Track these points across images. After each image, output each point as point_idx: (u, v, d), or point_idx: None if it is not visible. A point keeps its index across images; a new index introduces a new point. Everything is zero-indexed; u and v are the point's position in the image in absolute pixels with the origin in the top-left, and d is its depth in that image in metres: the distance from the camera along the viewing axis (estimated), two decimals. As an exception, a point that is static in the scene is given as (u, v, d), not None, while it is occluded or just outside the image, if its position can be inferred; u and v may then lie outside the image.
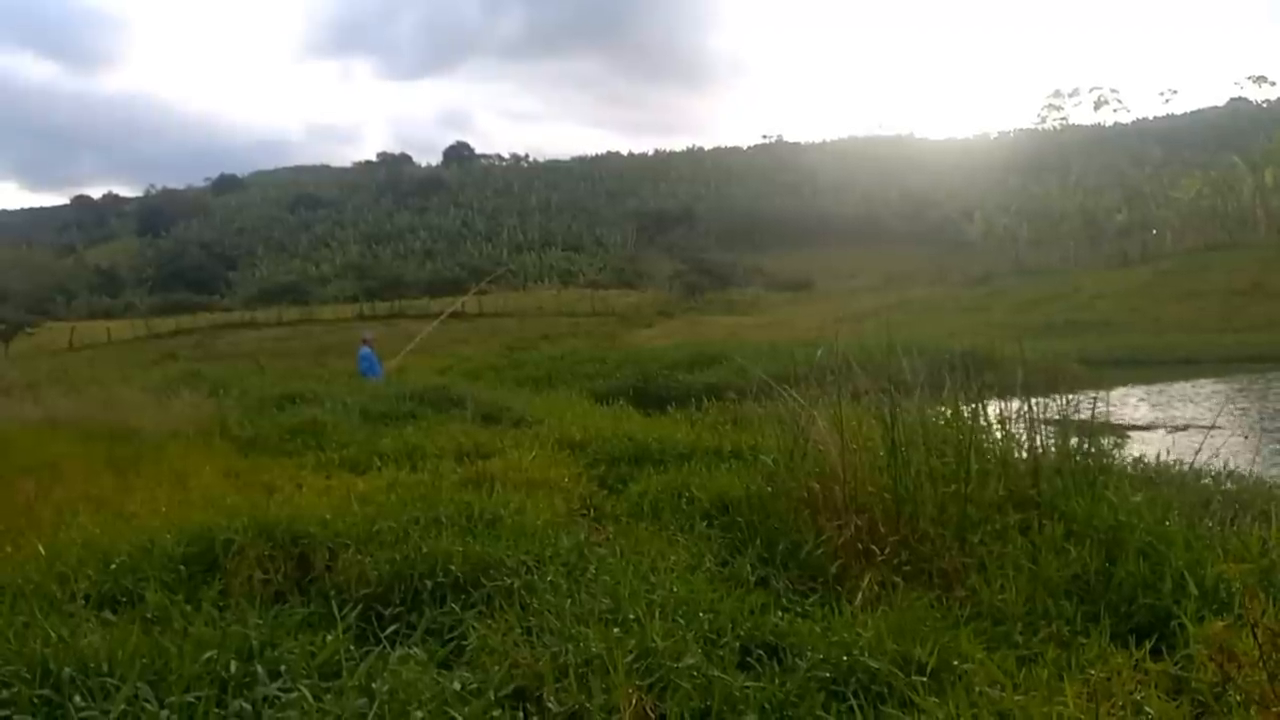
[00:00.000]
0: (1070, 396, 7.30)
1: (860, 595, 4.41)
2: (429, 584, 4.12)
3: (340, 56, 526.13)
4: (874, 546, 5.08)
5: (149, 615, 3.90)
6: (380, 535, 4.65)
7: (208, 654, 3.28)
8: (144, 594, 4.13)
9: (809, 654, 3.50)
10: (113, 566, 4.44)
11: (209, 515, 5.03)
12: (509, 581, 4.14)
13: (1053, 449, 6.22)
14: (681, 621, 3.73)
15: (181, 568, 4.38)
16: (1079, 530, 5.06)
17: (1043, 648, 3.95)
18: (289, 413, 12.71)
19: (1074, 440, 6.38)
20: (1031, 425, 6.63)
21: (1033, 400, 7.26)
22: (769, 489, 6.02)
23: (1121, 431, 6.67)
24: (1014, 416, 7.00)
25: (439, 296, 71.01)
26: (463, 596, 4.09)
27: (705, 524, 6.01)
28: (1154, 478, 7.34)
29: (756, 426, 9.93)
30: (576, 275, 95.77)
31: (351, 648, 3.49)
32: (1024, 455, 6.16)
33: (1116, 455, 6.67)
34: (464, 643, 3.62)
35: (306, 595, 4.24)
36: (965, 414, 6.45)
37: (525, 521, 5.12)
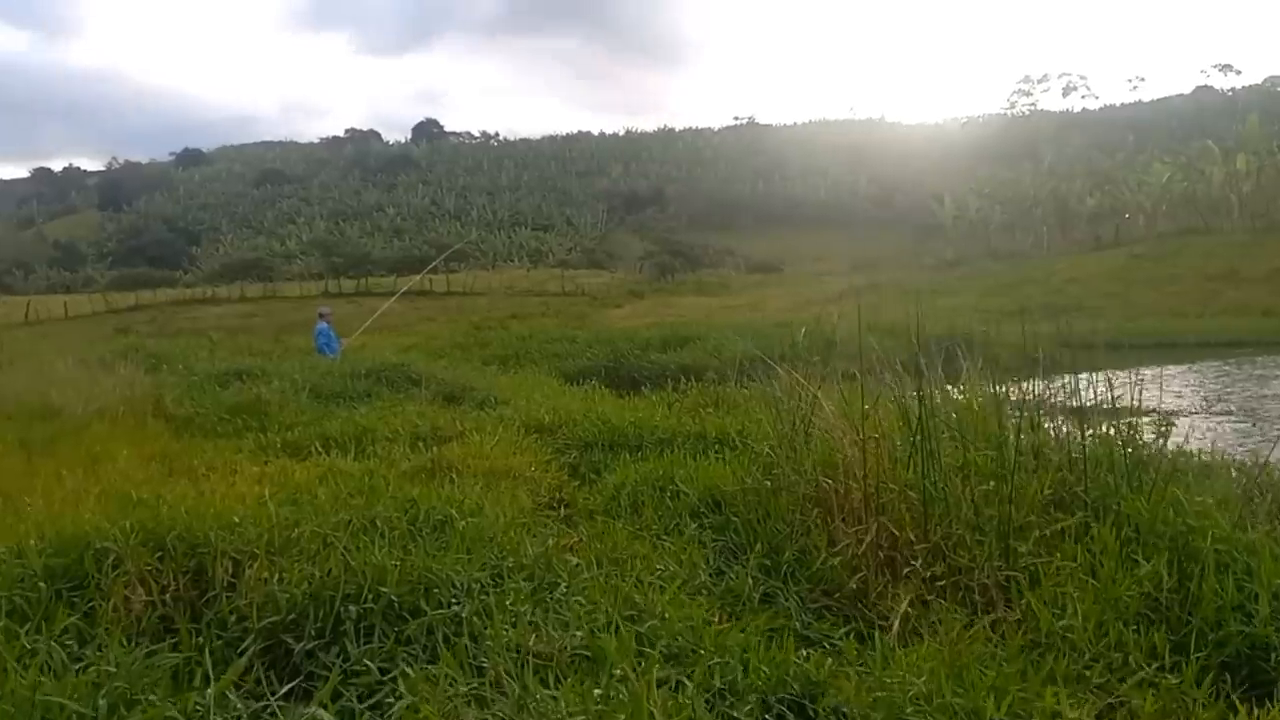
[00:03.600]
0: (1060, 381, 6.52)
1: (896, 623, 3.56)
2: (354, 610, 3.22)
3: (318, 30, 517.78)
4: (899, 555, 4.26)
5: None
6: (299, 543, 3.75)
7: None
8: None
9: (850, 712, 2.66)
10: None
11: (90, 514, 4.09)
12: (456, 608, 3.25)
13: (1089, 439, 5.41)
14: (679, 666, 2.87)
15: (43, 585, 3.46)
16: (1142, 537, 4.26)
17: (1130, 693, 3.14)
18: (232, 390, 11.71)
19: (1108, 428, 5.58)
20: (1050, 412, 5.87)
21: (1035, 384, 6.50)
22: (768, 483, 5.16)
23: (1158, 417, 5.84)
24: (1021, 402, 6.24)
25: (406, 274, 69.84)
26: (396, 628, 3.20)
27: (694, 523, 5.16)
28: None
29: (743, 410, 9.10)
30: (546, 255, 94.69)
31: (239, 704, 2.61)
32: (1060, 447, 5.34)
33: (1157, 446, 5.84)
34: (390, 699, 2.75)
35: (199, 622, 3.34)
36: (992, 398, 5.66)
37: (482, 524, 4.23)
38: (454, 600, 3.34)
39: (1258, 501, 5.71)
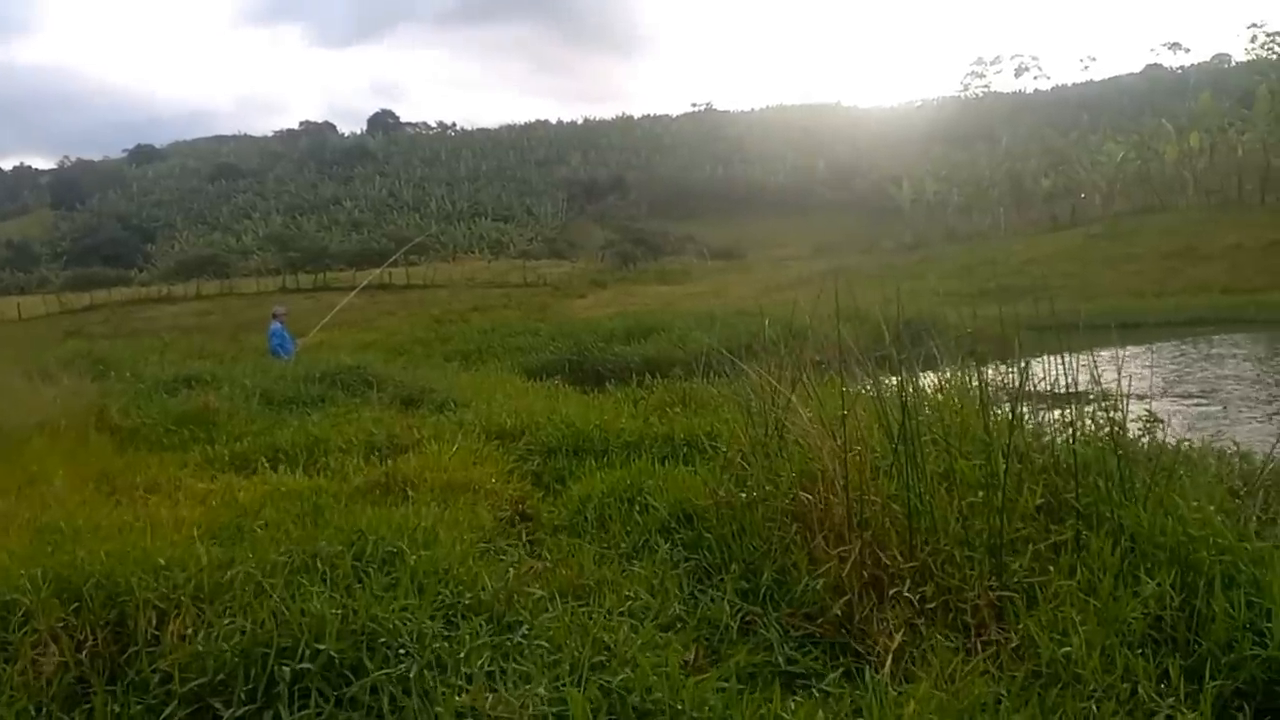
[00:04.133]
0: (1019, 366, 6.27)
1: (889, 661, 3.28)
2: (288, 671, 2.89)
3: (270, 24, 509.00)
4: (885, 575, 3.98)
5: None
6: (233, 588, 3.40)
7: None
8: None
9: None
10: None
11: (2, 556, 3.70)
12: (402, 666, 2.92)
13: (1078, 437, 5.16)
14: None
15: (-61, 647, 3.09)
16: (1139, 549, 4.02)
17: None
18: (180, 399, 11.26)
19: (1091, 423, 5.34)
20: (1026, 403, 5.65)
21: (1007, 374, 6.28)
22: (742, 496, 4.87)
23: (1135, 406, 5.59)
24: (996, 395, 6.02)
25: (365, 268, 69.13)
26: (337, 689, 2.87)
27: (665, 541, 4.86)
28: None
29: (711, 409, 8.81)
30: (507, 245, 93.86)
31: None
32: (1044, 449, 5.08)
33: (1145, 442, 5.61)
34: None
35: (118, 685, 2.99)
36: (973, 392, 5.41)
37: (436, 556, 3.89)
38: (402, 652, 3.01)
39: (1248, 502, 5.50)
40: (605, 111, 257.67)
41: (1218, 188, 57.64)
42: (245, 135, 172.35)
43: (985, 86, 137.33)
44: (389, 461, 6.76)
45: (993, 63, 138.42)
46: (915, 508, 4.10)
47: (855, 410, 5.24)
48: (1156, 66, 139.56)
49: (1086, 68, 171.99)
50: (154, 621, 3.21)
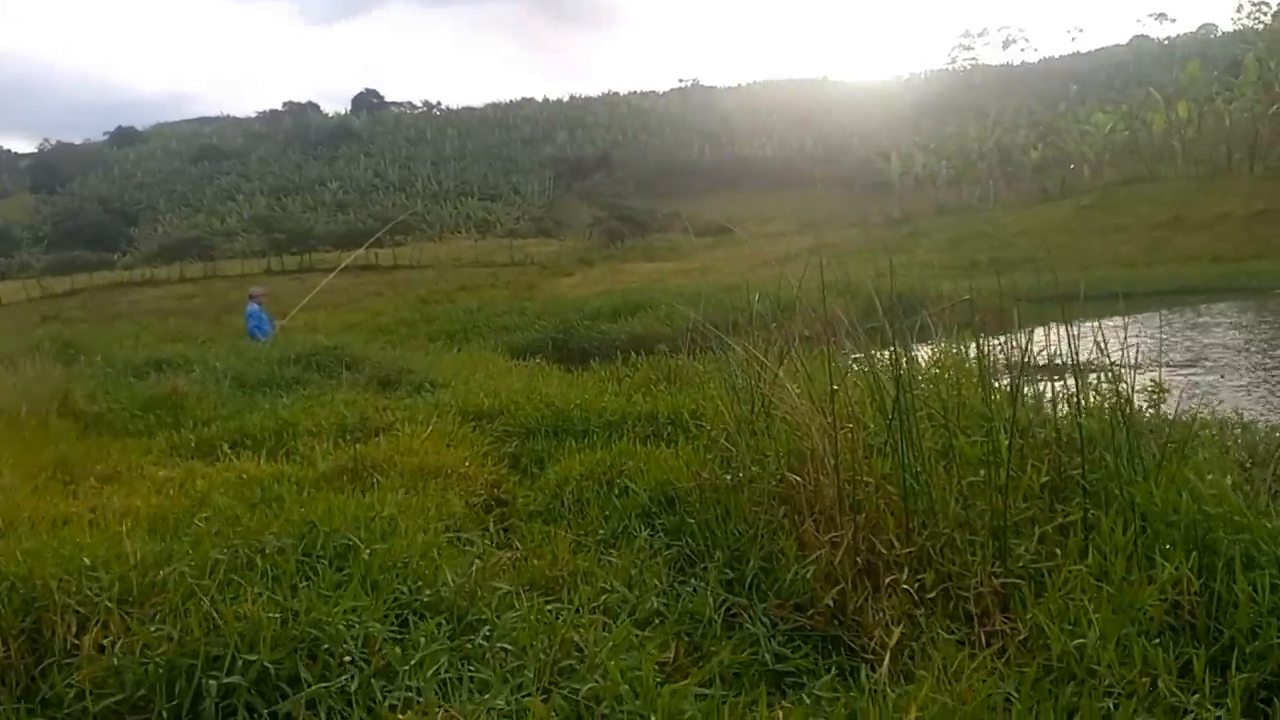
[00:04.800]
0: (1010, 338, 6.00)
1: (886, 660, 2.98)
2: (214, 685, 2.58)
3: (252, 1, 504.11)
4: (879, 562, 3.70)
5: None
6: (164, 590, 3.08)
7: None
8: None
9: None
10: None
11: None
12: (344, 678, 2.62)
13: (1081, 411, 4.87)
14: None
15: None
16: (1151, 528, 3.73)
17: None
18: (149, 383, 10.91)
19: (1094, 395, 5.05)
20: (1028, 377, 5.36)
21: (1004, 343, 5.98)
22: (727, 478, 4.57)
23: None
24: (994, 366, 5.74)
25: (351, 249, 68.58)
26: (270, 705, 2.57)
27: (645, 527, 4.56)
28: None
29: (696, 386, 8.51)
30: (494, 224, 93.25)
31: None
32: (1045, 422, 4.80)
33: (1154, 415, 5.33)
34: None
35: (32, 702, 2.68)
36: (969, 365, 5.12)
37: (393, 549, 3.58)
38: (347, 660, 2.70)
39: (1257, 475, 5.21)
40: (591, 89, 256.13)
41: (1206, 157, 57.40)
42: (228, 116, 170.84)
43: (973, 59, 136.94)
44: (358, 445, 6.44)
45: (980, 35, 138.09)
46: (911, 488, 3.81)
47: (846, 385, 4.94)
48: (1143, 37, 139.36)
49: (1074, 39, 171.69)
50: (74, 629, 2.90)
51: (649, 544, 4.16)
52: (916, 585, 3.50)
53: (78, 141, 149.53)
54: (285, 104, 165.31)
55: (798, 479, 4.03)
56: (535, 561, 4.02)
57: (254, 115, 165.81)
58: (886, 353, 5.28)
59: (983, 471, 3.91)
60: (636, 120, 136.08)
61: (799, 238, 62.46)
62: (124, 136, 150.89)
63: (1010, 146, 74.82)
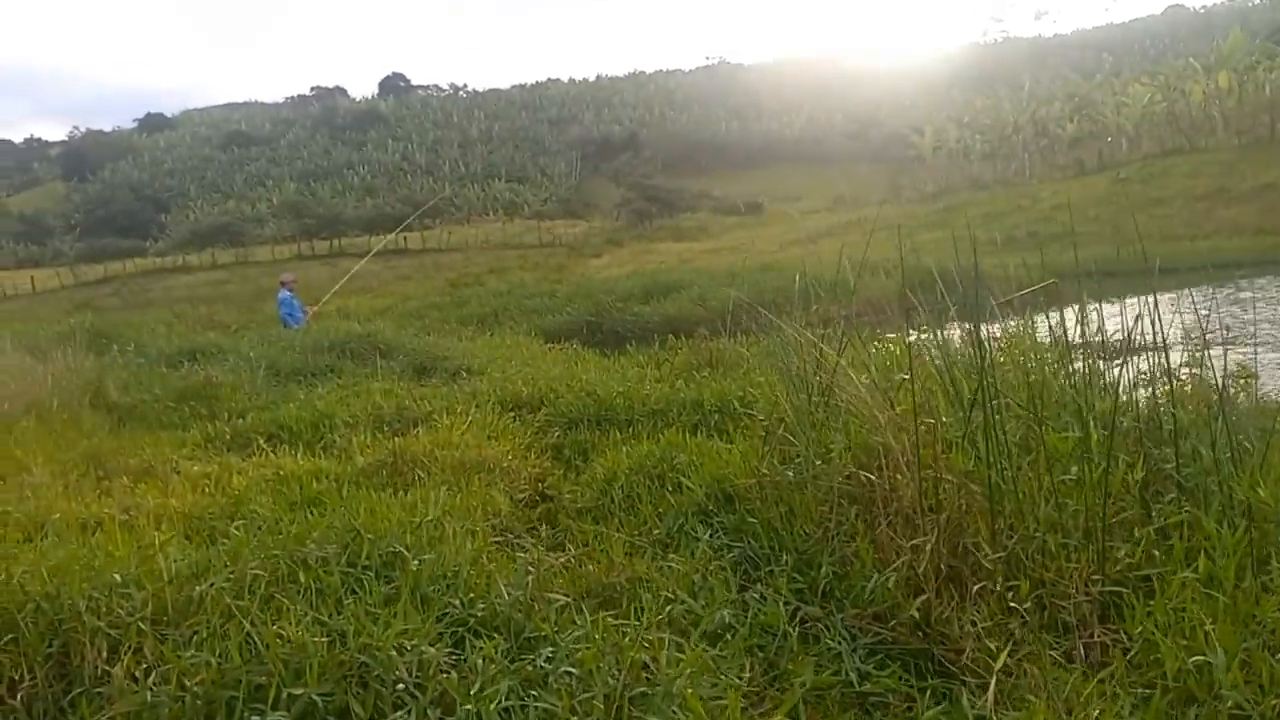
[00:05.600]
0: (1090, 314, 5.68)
1: (993, 685, 2.71)
2: (258, 721, 2.35)
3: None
4: (965, 567, 3.42)
5: None
6: (202, 609, 2.86)
7: None
8: None
9: None
10: None
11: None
12: (400, 713, 2.38)
13: (1165, 399, 4.54)
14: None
15: None
16: (1256, 528, 3.42)
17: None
18: (183, 373, 10.76)
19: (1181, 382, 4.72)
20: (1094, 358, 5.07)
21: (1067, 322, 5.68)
22: (789, 474, 4.30)
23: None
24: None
25: (380, 234, 68.80)
26: (316, 745, 2.35)
27: (703, 526, 4.31)
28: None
29: (742, 372, 8.23)
30: (522, 206, 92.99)
31: None
32: (1127, 410, 4.47)
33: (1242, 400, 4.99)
34: None
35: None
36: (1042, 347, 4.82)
37: (442, 558, 3.34)
38: (400, 688, 2.47)
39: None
40: (618, 68, 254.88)
41: (1248, 127, 56.05)
42: (256, 102, 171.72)
43: (1004, 32, 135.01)
44: (397, 439, 6.22)
45: (1011, 4, 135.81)
46: (998, 486, 3.52)
47: (917, 373, 4.66)
48: (1178, 6, 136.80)
49: (1107, 9, 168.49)
50: (104, 655, 2.69)
51: (710, 549, 3.89)
52: (1009, 594, 3.22)
53: (107, 129, 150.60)
54: (313, 89, 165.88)
55: (869, 477, 3.75)
56: (590, 566, 3.77)
57: (282, 100, 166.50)
58: (955, 335, 4.99)
59: (1074, 468, 3.61)
60: (663, 99, 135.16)
61: (830, 214, 61.83)
62: (153, 123, 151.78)
63: (1045, 119, 73.53)
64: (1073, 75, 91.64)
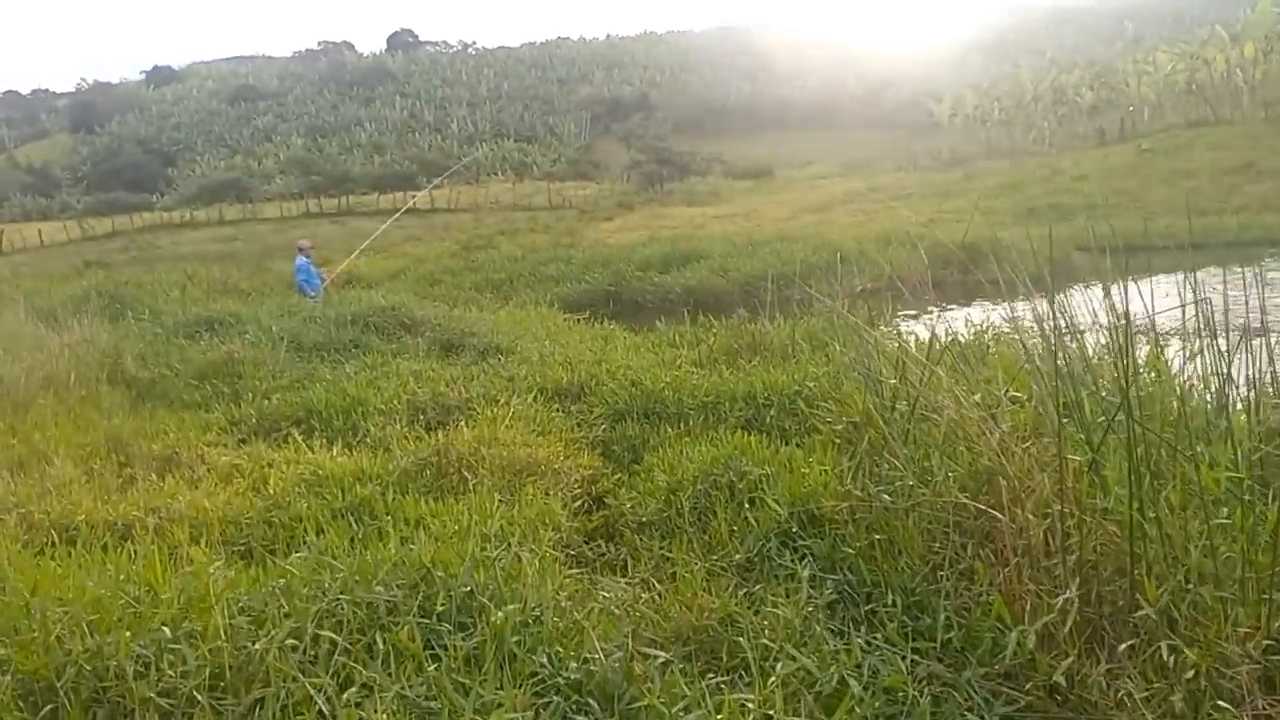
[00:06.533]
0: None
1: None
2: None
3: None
4: (1105, 622, 3.05)
5: None
6: (263, 670, 2.48)
7: None
8: None
9: None
10: None
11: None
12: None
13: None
14: None
15: None
16: None
17: None
18: (202, 345, 10.40)
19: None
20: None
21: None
22: (887, 499, 3.90)
23: None
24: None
25: (389, 191, 68.15)
26: None
27: (787, 549, 3.94)
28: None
29: (792, 359, 7.84)
30: (531, 167, 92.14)
31: None
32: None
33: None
34: None
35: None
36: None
37: (525, 601, 2.94)
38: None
39: None
40: (628, 27, 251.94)
41: (1275, 98, 55.09)
42: (263, 56, 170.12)
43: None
44: (437, 433, 5.85)
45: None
46: (1142, 529, 3.13)
47: (1018, 379, 4.28)
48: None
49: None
50: (154, 726, 2.32)
51: (809, 587, 3.50)
52: (1172, 657, 2.84)
53: (114, 81, 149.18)
54: (320, 43, 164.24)
55: (1004, 519, 3.34)
56: (674, 603, 3.40)
57: (290, 55, 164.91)
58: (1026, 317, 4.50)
59: (1224, 509, 3.22)
60: (675, 60, 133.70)
61: (843, 180, 61.02)
62: (160, 76, 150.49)
63: (1065, 86, 72.37)
64: (1095, 42, 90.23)
